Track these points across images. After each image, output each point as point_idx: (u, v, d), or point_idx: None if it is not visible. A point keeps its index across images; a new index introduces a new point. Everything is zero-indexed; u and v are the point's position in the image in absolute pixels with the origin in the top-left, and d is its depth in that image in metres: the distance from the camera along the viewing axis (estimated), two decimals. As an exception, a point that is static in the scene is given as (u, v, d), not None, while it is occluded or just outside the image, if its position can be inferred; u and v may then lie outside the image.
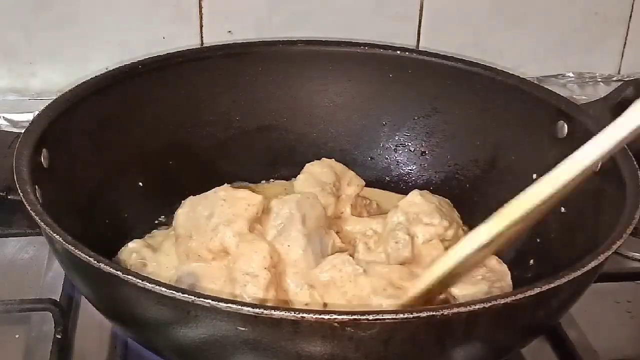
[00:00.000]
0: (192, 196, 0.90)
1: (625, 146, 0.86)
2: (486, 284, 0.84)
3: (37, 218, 0.73)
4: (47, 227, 0.72)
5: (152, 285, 0.66)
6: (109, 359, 0.82)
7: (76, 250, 0.69)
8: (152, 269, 0.88)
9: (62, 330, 0.83)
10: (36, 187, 0.78)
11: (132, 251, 0.90)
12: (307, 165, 1.00)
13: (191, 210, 0.88)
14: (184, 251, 0.87)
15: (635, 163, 0.84)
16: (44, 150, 0.84)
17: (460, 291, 0.82)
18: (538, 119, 0.97)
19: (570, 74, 1.27)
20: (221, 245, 0.84)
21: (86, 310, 0.87)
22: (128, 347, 0.83)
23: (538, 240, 0.94)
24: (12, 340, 0.84)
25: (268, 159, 1.07)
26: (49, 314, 0.84)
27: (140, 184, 0.98)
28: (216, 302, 0.64)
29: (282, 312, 0.64)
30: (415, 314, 0.64)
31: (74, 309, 0.88)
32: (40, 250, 0.96)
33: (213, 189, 0.89)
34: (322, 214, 0.90)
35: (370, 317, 0.64)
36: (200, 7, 1.15)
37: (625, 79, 1.27)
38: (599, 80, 1.27)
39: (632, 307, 0.93)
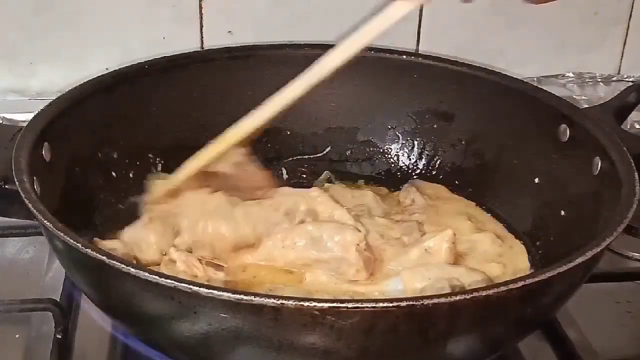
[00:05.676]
0: None
1: (625, 148, 0.86)
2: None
3: (30, 205, 0.73)
4: (38, 214, 0.72)
5: (136, 271, 0.66)
6: (109, 359, 0.82)
7: (65, 236, 0.70)
8: None
9: (62, 330, 0.83)
10: (35, 178, 0.79)
11: None
12: None
13: None
14: None
15: (632, 165, 0.84)
16: (46, 143, 0.85)
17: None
18: (540, 122, 0.97)
19: (570, 74, 1.26)
20: None
21: (86, 310, 0.87)
22: (128, 347, 0.83)
23: (538, 243, 0.94)
24: (12, 340, 0.84)
25: (272, 161, 1.07)
26: (49, 314, 0.83)
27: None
28: (197, 288, 0.64)
29: (263, 299, 0.64)
30: (395, 304, 0.64)
31: (74, 309, 0.88)
32: (41, 250, 0.96)
33: None
34: None
35: (350, 305, 0.64)
36: (201, 8, 1.15)
37: (625, 79, 1.27)
38: (599, 80, 1.26)
39: (632, 307, 0.92)
